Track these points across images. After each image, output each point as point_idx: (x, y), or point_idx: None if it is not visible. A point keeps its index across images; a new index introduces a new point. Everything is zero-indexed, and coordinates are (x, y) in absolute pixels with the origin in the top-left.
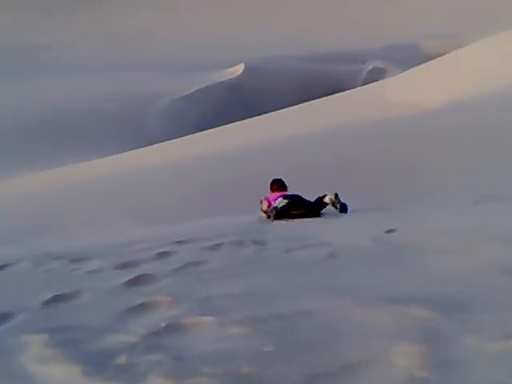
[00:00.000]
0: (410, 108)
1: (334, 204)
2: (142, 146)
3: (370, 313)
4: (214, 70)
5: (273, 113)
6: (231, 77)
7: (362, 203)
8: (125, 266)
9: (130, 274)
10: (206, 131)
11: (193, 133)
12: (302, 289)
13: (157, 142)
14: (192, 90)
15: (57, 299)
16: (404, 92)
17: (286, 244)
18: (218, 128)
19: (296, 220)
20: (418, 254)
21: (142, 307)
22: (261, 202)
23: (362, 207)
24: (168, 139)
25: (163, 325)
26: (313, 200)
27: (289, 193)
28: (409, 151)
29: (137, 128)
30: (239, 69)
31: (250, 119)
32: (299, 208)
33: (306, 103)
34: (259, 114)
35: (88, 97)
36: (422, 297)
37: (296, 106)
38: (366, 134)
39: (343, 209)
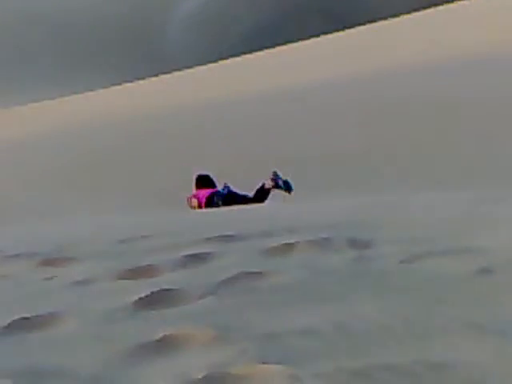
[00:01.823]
0: None
1: (277, 186)
2: (153, 75)
3: None
4: None
5: None
6: None
7: None
8: (134, 273)
9: (143, 289)
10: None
11: (236, 55)
12: (433, 324)
13: (178, 70)
14: None
15: (24, 325)
16: None
17: (401, 248)
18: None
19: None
20: None
21: (164, 345)
22: (188, 199)
23: None
24: (198, 64)
25: (199, 376)
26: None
27: (219, 189)
28: None
29: (146, 46)
30: None
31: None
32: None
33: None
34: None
35: None
36: None
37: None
38: None
39: (288, 187)
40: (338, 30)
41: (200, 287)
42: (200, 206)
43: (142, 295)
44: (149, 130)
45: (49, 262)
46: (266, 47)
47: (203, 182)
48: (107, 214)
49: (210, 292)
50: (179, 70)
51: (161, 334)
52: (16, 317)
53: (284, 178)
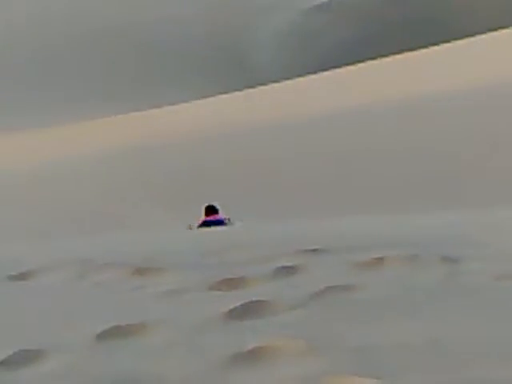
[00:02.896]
0: None
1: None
2: (241, 89)
3: None
4: None
5: None
6: None
7: None
8: (224, 284)
9: (234, 300)
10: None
11: (322, 69)
12: None
13: (265, 84)
14: None
15: (116, 334)
16: None
17: (492, 265)
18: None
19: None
20: None
21: (256, 356)
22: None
23: None
24: (285, 78)
25: None
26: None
27: (211, 218)
28: None
29: (235, 59)
30: None
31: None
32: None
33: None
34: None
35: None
36: None
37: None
38: None
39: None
40: (420, 47)
41: (290, 299)
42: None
43: (233, 306)
44: (236, 143)
45: (140, 271)
46: (353, 62)
47: (211, 210)
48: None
49: (301, 304)
50: (265, 84)
51: (252, 345)
52: (109, 325)
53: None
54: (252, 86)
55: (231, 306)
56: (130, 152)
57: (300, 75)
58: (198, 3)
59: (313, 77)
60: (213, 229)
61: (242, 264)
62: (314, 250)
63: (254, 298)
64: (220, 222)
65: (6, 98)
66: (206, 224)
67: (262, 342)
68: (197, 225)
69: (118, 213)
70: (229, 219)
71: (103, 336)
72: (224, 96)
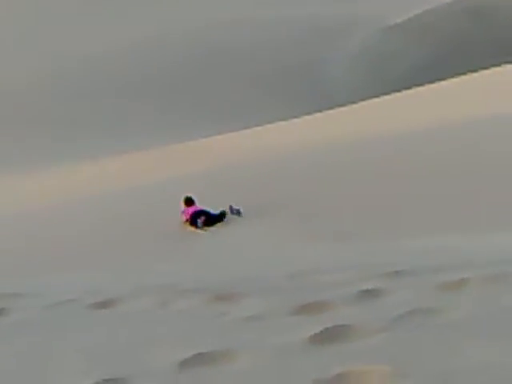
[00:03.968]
0: None
1: (232, 212)
2: (319, 110)
3: None
4: None
5: None
6: None
7: None
8: (307, 309)
9: (318, 324)
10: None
11: (405, 88)
12: None
13: (341, 105)
14: (408, 16)
15: (200, 361)
16: None
17: None
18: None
19: None
20: None
21: (341, 381)
22: (180, 215)
23: None
24: (361, 99)
25: None
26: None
27: (198, 208)
28: None
29: (311, 79)
30: None
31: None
32: (211, 223)
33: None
34: None
35: (226, 25)
36: None
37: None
38: None
39: (238, 213)
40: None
41: (374, 323)
42: (187, 220)
43: (316, 331)
44: (315, 161)
45: (222, 297)
46: (427, 82)
47: (188, 201)
48: (277, 248)
49: (385, 328)
50: (342, 105)
51: (337, 371)
52: (192, 352)
53: (236, 207)
54: (330, 107)
55: (314, 331)
56: (225, 170)
57: (376, 96)
58: (273, 25)
59: (389, 97)
60: (293, 253)
61: (324, 288)
62: (397, 272)
63: (336, 323)
64: (205, 212)
65: (122, 121)
66: (201, 213)
67: (346, 367)
68: (187, 217)
69: (195, 235)
70: (230, 208)
71: (186, 363)
72: (307, 117)
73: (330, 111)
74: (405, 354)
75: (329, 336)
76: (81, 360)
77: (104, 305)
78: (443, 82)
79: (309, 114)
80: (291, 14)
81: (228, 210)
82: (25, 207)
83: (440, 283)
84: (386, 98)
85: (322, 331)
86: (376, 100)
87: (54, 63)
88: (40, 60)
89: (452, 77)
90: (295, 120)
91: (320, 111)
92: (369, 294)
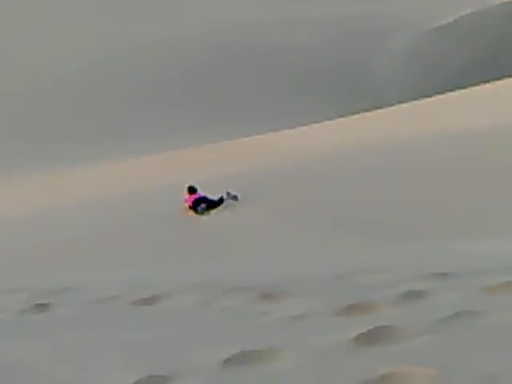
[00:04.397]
0: None
1: (228, 198)
2: (366, 110)
3: None
4: None
5: None
6: None
7: None
8: (352, 309)
9: (361, 325)
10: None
11: (449, 90)
12: None
13: (387, 106)
14: (452, 18)
15: (243, 359)
16: None
17: None
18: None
19: None
20: None
21: (386, 381)
22: (184, 202)
23: None
24: (410, 98)
25: None
26: (216, 197)
27: (201, 194)
28: None
29: (358, 79)
30: None
31: None
32: (211, 208)
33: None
34: None
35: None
36: None
37: None
38: None
39: (235, 198)
40: None
41: (418, 325)
42: (190, 207)
43: (361, 332)
44: (365, 163)
45: (266, 296)
46: (477, 82)
47: (191, 190)
48: (324, 249)
49: (429, 330)
50: (391, 105)
51: (381, 372)
52: (236, 351)
53: (233, 193)
54: (378, 107)
55: (359, 332)
56: (262, 172)
57: (425, 95)
58: (328, 29)
59: (440, 97)
60: (340, 253)
61: (369, 288)
62: (443, 274)
63: (381, 324)
64: (205, 199)
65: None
66: (202, 200)
67: (390, 368)
68: (189, 204)
69: (242, 233)
70: (229, 194)
71: (230, 362)
72: (355, 117)
73: (380, 110)
74: (449, 357)
75: (373, 337)
76: (124, 357)
77: (148, 301)
78: (493, 83)
79: (355, 113)
80: (331, 14)
81: (225, 196)
82: (66, 201)
83: (486, 286)
84: (438, 97)
85: (366, 332)
86: (428, 100)
87: (80, 64)
88: (65, 62)
89: (499, 79)
90: (341, 120)
91: (367, 111)
92: (414, 296)
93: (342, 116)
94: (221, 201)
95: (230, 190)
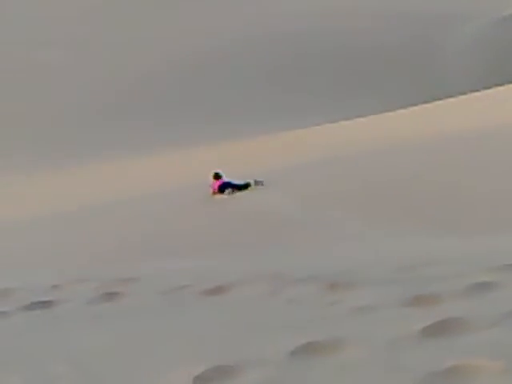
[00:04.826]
0: None
1: (256, 183)
2: (438, 98)
3: None
4: None
5: None
6: None
7: None
8: (419, 301)
9: (428, 317)
10: None
11: None
12: None
13: (453, 96)
14: None
15: (308, 350)
16: None
17: None
18: None
19: None
20: None
21: (453, 375)
22: (209, 187)
23: None
24: (474, 89)
25: None
26: (242, 182)
27: (226, 180)
28: None
29: (426, 70)
30: None
31: None
32: (237, 191)
33: None
34: None
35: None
36: None
37: None
38: None
39: (261, 183)
40: None
41: (486, 317)
42: (215, 192)
43: (428, 324)
44: (435, 156)
45: (333, 286)
46: None
47: (216, 176)
48: (392, 239)
49: (497, 322)
50: (453, 96)
51: (449, 364)
52: (303, 341)
53: (260, 179)
54: (440, 98)
55: (426, 324)
56: (324, 162)
57: (489, 86)
58: (389, 15)
59: (506, 87)
60: (406, 244)
61: (436, 280)
62: (510, 266)
63: (449, 316)
64: (231, 184)
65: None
66: (227, 185)
67: (458, 360)
68: (214, 190)
69: (310, 223)
70: (255, 181)
71: (297, 352)
72: (414, 108)
73: (451, 99)
74: None
75: (441, 329)
76: (192, 346)
77: (216, 291)
78: None
79: (426, 102)
80: (398, 4)
81: (252, 181)
82: (147, 189)
83: None
84: (505, 87)
85: (434, 324)
86: (499, 89)
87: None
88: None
89: None
90: (412, 108)
91: (440, 99)
92: (481, 288)
93: (414, 105)
94: (246, 186)
95: (256, 178)
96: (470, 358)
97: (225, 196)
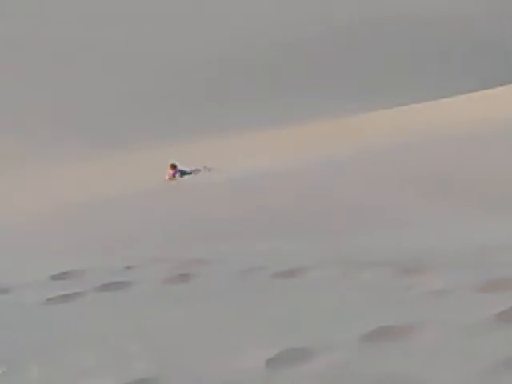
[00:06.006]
0: None
1: (204, 169)
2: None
3: None
4: None
5: None
6: None
7: None
8: (494, 285)
9: (505, 302)
10: None
11: None
12: None
13: None
14: None
15: (383, 334)
16: None
17: None
18: None
19: None
20: None
21: None
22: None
23: None
24: None
25: None
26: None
27: (179, 168)
28: None
29: (497, 54)
30: None
31: None
32: (184, 175)
33: None
34: None
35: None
36: None
37: None
38: None
39: (209, 170)
40: None
41: None
42: (170, 178)
43: (504, 308)
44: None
45: (407, 271)
46: None
47: (173, 166)
48: (459, 224)
49: None
50: None
51: None
52: (375, 326)
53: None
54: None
55: (502, 309)
56: (390, 148)
57: None
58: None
59: None
60: (474, 228)
61: (508, 265)
62: None
63: None
64: (180, 171)
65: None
66: (178, 172)
67: None
68: (169, 176)
69: (379, 208)
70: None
71: (370, 336)
72: (489, 91)
73: None
74: None
75: None
76: (264, 329)
77: (288, 274)
78: None
79: (494, 87)
80: None
81: (202, 169)
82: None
83: None
84: None
85: (509, 309)
86: None
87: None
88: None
89: None
90: (488, 91)
91: (503, 85)
92: None
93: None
94: (191, 173)
95: (206, 165)
96: None
97: (174, 181)
